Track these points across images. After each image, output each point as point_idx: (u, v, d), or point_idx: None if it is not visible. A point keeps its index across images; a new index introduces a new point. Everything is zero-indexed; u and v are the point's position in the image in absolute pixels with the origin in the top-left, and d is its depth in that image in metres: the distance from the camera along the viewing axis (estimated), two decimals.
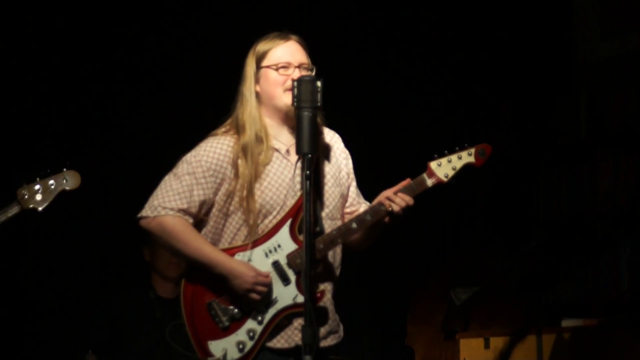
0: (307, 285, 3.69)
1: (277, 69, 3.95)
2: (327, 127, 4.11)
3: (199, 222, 3.98)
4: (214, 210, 3.96)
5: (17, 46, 5.82)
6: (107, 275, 5.85)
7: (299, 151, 3.77)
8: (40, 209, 4.47)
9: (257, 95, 4.00)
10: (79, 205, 5.66)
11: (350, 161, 4.15)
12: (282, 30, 4.05)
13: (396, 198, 3.88)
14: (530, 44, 6.60)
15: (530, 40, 6.61)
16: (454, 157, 3.95)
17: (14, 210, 4.44)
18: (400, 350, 5.66)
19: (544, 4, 6.62)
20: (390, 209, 3.89)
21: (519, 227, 6.51)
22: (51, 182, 4.47)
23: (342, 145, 4.14)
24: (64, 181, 4.48)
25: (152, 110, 6.06)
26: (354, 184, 4.14)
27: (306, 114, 3.77)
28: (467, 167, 3.96)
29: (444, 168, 3.94)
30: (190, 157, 3.99)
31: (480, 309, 5.38)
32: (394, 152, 5.99)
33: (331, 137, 4.12)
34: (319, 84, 3.78)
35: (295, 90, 3.79)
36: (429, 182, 3.93)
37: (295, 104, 3.79)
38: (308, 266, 3.70)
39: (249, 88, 3.99)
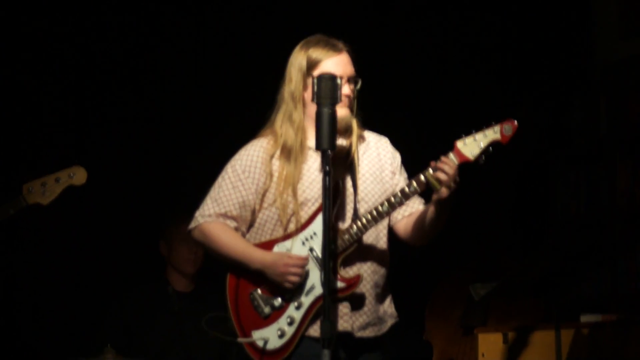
0: (327, 279, 3.72)
1: None
2: (373, 132, 4.21)
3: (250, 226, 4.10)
4: (255, 210, 4.07)
5: (26, 42, 5.85)
6: (125, 270, 5.88)
7: (318, 147, 3.81)
8: (45, 203, 4.53)
9: (303, 98, 4.07)
10: (97, 199, 5.73)
11: (396, 160, 4.22)
12: (307, 30, 4.13)
13: (444, 166, 3.88)
14: (549, 43, 6.61)
15: (549, 40, 6.61)
16: (479, 135, 3.98)
17: (19, 204, 4.50)
18: (419, 345, 5.67)
19: (562, 4, 6.63)
20: (436, 176, 3.90)
21: (538, 225, 6.52)
22: (57, 177, 4.53)
23: (389, 147, 4.23)
24: (70, 177, 4.53)
25: (164, 104, 6.09)
26: (403, 179, 4.18)
27: (326, 110, 3.80)
28: (493, 145, 3.97)
29: (470, 146, 3.97)
30: (227, 165, 4.13)
31: (498, 305, 5.39)
32: (414, 147, 6.01)
33: (377, 140, 4.22)
34: (338, 81, 3.82)
35: (315, 87, 3.83)
36: (456, 160, 3.94)
37: (314, 100, 3.83)
38: (328, 263, 3.74)
39: (295, 91, 4.06)
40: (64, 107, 5.92)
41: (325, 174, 3.77)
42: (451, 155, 3.96)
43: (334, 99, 3.81)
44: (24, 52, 5.86)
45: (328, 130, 3.80)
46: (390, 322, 4.16)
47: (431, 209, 4.01)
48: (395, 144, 4.35)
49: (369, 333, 4.08)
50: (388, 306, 4.17)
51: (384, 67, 6.35)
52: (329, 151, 3.77)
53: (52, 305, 5.89)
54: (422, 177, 3.96)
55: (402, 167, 4.23)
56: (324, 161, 3.79)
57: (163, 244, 5.73)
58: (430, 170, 3.94)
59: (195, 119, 6.03)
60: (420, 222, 4.09)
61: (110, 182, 5.83)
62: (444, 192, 3.92)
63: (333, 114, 3.81)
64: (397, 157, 4.23)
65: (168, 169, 5.90)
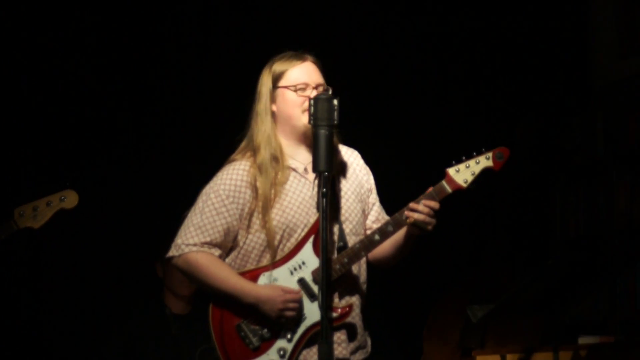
0: (324, 303, 3.74)
1: (295, 90, 3.99)
2: (344, 145, 4.15)
3: (230, 249, 4.03)
4: (238, 235, 4.00)
5: (21, 59, 5.85)
6: (122, 292, 5.88)
7: (315, 169, 3.80)
8: (36, 227, 4.51)
9: (273, 114, 4.03)
10: (92, 223, 5.72)
11: (371, 177, 4.17)
12: (297, 49, 4.09)
13: (418, 206, 3.88)
14: (547, 62, 6.62)
15: (548, 59, 6.62)
16: (471, 162, 3.95)
17: (10, 228, 4.49)
18: None
19: (561, 23, 6.64)
20: (412, 219, 3.89)
21: (536, 245, 6.51)
22: (48, 201, 4.52)
23: (362, 162, 4.17)
24: (61, 200, 4.52)
25: (158, 125, 6.09)
26: (377, 201, 4.16)
27: (322, 132, 3.80)
28: (485, 172, 3.96)
29: (462, 174, 3.94)
30: (208, 189, 4.03)
31: (496, 326, 5.38)
32: (411, 166, 6.02)
33: (350, 154, 4.15)
34: (335, 102, 3.81)
35: (312, 108, 3.82)
36: (449, 188, 3.93)
37: (311, 122, 3.82)
38: (324, 284, 3.74)
39: (264, 107, 4.02)
40: (56, 130, 5.91)
41: (323, 196, 3.75)
42: (444, 183, 3.93)
43: (331, 120, 3.80)
44: (18, 72, 5.85)
45: (325, 152, 3.79)
46: (369, 340, 4.13)
47: (405, 235, 3.98)
48: (393, 167, 4.33)
49: (359, 356, 4.06)
50: (365, 327, 4.13)
51: (377, 88, 6.36)
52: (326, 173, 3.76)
53: (50, 329, 5.88)
54: (404, 217, 3.92)
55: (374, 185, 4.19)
56: (321, 183, 3.78)
57: (159, 266, 5.72)
58: (405, 216, 3.91)
59: (190, 139, 6.02)
60: (396, 247, 4.05)
61: (105, 205, 5.83)
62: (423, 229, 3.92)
63: (330, 136, 3.81)
64: (371, 173, 4.18)
65: (164, 190, 5.90)
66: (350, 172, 4.10)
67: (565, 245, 6.44)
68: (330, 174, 3.80)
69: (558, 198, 6.55)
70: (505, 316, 5.19)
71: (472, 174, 3.94)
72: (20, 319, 5.83)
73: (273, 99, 4.02)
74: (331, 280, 3.91)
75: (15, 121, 5.83)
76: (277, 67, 4.03)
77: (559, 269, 4.82)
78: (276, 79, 4.02)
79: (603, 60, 6.65)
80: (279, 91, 4.01)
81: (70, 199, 4.54)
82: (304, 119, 3.95)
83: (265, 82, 4.03)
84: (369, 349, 4.10)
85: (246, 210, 3.98)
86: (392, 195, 4.22)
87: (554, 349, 4.86)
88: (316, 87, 4.00)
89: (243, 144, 4.06)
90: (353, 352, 4.02)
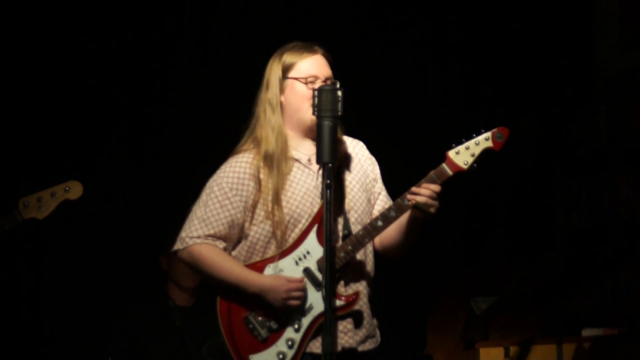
0: (328, 294, 3.75)
1: (305, 83, 3.99)
2: (349, 137, 4.16)
3: (237, 242, 4.04)
4: (244, 226, 4.00)
5: (27, 51, 5.85)
6: (126, 285, 5.88)
7: (319, 160, 3.80)
8: (40, 218, 4.53)
9: (281, 104, 4.03)
10: (97, 214, 5.72)
11: (377, 167, 4.18)
12: (306, 40, 4.10)
13: (419, 189, 3.89)
14: (550, 55, 6.61)
15: (551, 52, 6.61)
16: (471, 143, 3.95)
17: (14, 219, 4.50)
18: (420, 359, 5.67)
19: (564, 16, 6.63)
20: (414, 202, 3.88)
21: (539, 237, 6.51)
22: (53, 192, 4.52)
23: (367, 152, 4.18)
24: (66, 191, 4.53)
25: (163, 116, 6.09)
26: (383, 190, 4.17)
27: (327, 123, 3.80)
28: (486, 152, 3.95)
29: (462, 156, 3.94)
30: (211, 182, 4.05)
31: (500, 318, 5.38)
32: (414, 156, 6.01)
33: (355, 145, 4.16)
34: (339, 93, 3.81)
35: (316, 99, 3.82)
36: (449, 171, 3.93)
37: (315, 113, 3.81)
38: (328, 275, 3.75)
39: (274, 97, 4.02)
40: (61, 120, 5.90)
41: (327, 187, 3.75)
42: (444, 166, 3.94)
43: (335, 111, 3.80)
44: (22, 63, 5.85)
45: (329, 144, 3.79)
46: (377, 331, 4.14)
47: (409, 219, 3.98)
48: (396, 157, 4.32)
49: (368, 346, 4.07)
50: (374, 316, 4.14)
51: (379, 76, 6.35)
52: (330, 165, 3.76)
53: (53, 321, 5.88)
54: (406, 202, 3.92)
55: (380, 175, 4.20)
56: (325, 175, 3.77)
57: (163, 258, 5.71)
58: (407, 200, 3.91)
59: (196, 130, 6.02)
60: (402, 233, 4.05)
61: (110, 196, 5.83)
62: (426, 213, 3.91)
63: (334, 127, 3.81)
64: (376, 163, 4.20)
65: (168, 182, 5.89)
66: (355, 162, 4.11)
67: (569, 237, 6.44)
68: (334, 165, 3.79)
69: (561, 190, 6.55)
70: (508, 308, 5.19)
71: (472, 155, 3.94)
72: (24, 309, 5.83)
73: (282, 90, 4.01)
74: (336, 268, 3.91)
75: (21, 112, 5.82)
76: (288, 57, 4.04)
77: (562, 261, 4.82)
78: (286, 69, 4.02)
79: (606, 52, 6.64)
80: (288, 82, 4.02)
81: (74, 190, 4.55)
82: (311, 112, 3.92)
83: (274, 71, 4.03)
84: (378, 338, 4.12)
85: (250, 202, 3.99)
86: (396, 184, 4.21)
87: (557, 341, 4.86)
88: (325, 81, 4.00)
89: (248, 132, 4.08)
90: (362, 342, 4.03)
